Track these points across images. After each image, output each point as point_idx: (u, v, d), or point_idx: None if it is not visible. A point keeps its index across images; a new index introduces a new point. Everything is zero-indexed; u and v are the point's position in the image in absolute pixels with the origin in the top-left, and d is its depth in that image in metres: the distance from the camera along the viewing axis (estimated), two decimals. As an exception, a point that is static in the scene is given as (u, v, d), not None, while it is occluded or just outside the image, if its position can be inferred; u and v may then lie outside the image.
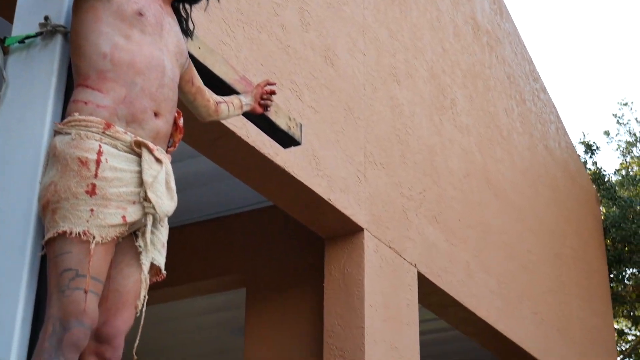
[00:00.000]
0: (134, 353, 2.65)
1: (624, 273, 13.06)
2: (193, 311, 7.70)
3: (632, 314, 14.74)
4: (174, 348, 8.57)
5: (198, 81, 3.16)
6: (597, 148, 14.38)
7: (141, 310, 2.68)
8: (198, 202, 6.17)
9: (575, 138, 24.61)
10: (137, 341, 2.68)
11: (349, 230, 5.49)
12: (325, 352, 5.36)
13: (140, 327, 2.66)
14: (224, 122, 4.38)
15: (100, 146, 2.61)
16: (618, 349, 14.10)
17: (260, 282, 6.02)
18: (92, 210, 2.58)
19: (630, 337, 15.68)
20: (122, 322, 2.64)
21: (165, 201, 2.69)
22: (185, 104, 3.08)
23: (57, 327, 2.52)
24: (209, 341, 8.35)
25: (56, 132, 2.68)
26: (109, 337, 2.62)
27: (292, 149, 4.76)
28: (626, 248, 12.61)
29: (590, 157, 14.35)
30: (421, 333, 6.06)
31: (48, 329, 2.53)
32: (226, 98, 3.33)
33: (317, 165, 5.13)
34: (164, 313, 7.49)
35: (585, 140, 14.76)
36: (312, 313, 5.67)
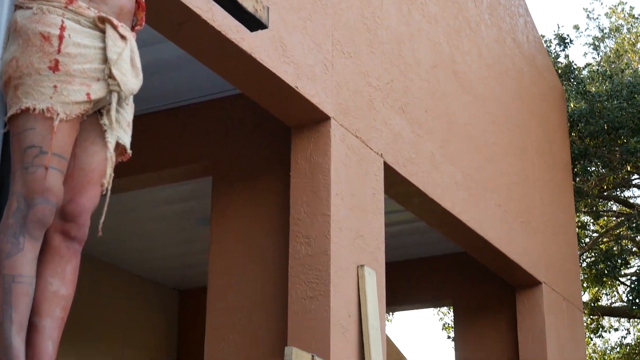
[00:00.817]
0: (100, 229, 2.65)
1: (589, 168, 13.19)
2: (158, 200, 7.70)
3: (593, 209, 14.97)
4: (138, 238, 8.60)
5: None
6: (571, 41, 14.34)
7: (107, 188, 2.67)
8: (164, 89, 6.11)
9: (548, 31, 24.50)
10: (102, 217, 2.67)
11: (316, 119, 5.48)
12: (291, 239, 5.41)
13: (106, 204, 2.65)
14: (189, 5, 4.31)
15: (62, 21, 2.56)
16: (579, 243, 14.35)
17: (226, 171, 6.02)
18: (55, 86, 2.54)
19: (590, 232, 15.97)
20: (87, 200, 2.63)
21: (130, 79, 2.66)
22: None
23: (21, 204, 2.50)
24: (174, 231, 8.38)
25: (17, 7, 2.62)
26: (74, 215, 2.61)
27: (259, 34, 4.71)
28: (592, 143, 12.72)
29: (563, 49, 14.32)
30: (386, 224, 6.11)
31: (12, 205, 2.51)
32: None
33: (284, 52, 5.08)
34: (128, 202, 7.49)
35: (559, 32, 14.71)
36: (279, 201, 5.69)
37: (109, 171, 2.66)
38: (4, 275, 2.44)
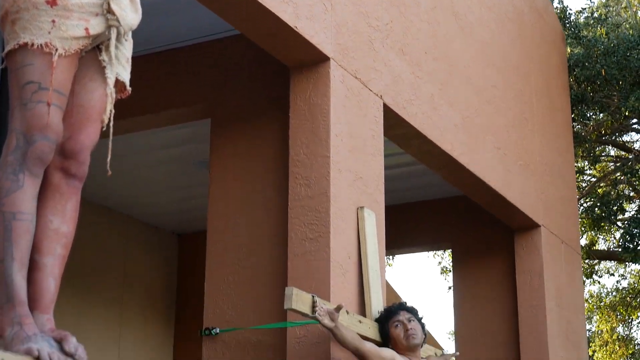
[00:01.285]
0: (108, 168, 2.64)
1: (587, 113, 13.16)
2: (157, 144, 7.68)
3: (591, 154, 14.96)
4: (137, 182, 8.58)
5: None
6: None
7: (108, 125, 2.64)
8: (162, 30, 6.05)
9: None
10: (109, 155, 2.65)
11: (315, 60, 5.43)
12: (291, 181, 5.40)
13: (110, 141, 2.63)
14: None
15: (59, -47, 2.51)
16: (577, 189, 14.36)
17: (225, 113, 5.98)
18: (53, 21, 2.50)
19: (587, 177, 15.99)
20: (86, 137, 2.61)
21: (129, 14, 2.62)
22: None
23: (20, 140, 2.48)
24: (173, 175, 8.36)
25: (13, -61, 2.57)
26: (74, 152, 2.59)
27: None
28: (589, 88, 12.67)
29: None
30: (386, 168, 6.08)
31: (12, 142, 2.49)
32: None
33: (283, -8, 5.02)
34: (126, 146, 7.45)
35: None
36: (278, 143, 5.67)
37: (109, 107, 2.64)
38: (4, 213, 2.43)
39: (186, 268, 9.75)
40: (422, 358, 5.40)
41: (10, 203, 2.42)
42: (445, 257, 17.28)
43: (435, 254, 17.28)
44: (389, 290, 8.09)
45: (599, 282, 17.34)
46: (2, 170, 2.46)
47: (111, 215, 9.13)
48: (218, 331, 5.43)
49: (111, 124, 2.64)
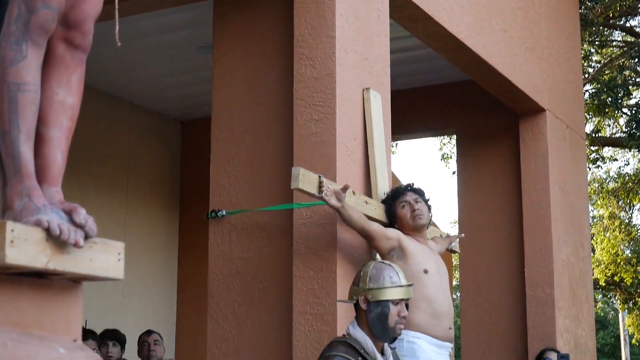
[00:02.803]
0: (117, 39, 2.58)
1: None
2: (158, 28, 7.56)
3: (597, 38, 14.79)
4: (139, 68, 8.49)
5: None
6: None
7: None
8: None
9: None
10: (117, 25, 2.59)
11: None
12: (296, 61, 5.33)
13: (117, 9, 2.57)
14: None
15: None
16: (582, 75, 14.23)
17: (228, -6, 5.87)
18: None
19: (594, 63, 15.84)
20: (90, 6, 2.54)
21: None
22: None
23: (22, 9, 2.41)
24: (175, 60, 8.27)
25: None
26: (78, 21, 2.52)
27: None
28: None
29: None
30: (392, 51, 5.98)
31: (13, 11, 2.42)
32: None
33: None
34: (128, 31, 7.34)
35: None
36: (282, 23, 5.56)
37: (112, -26, 2.56)
38: (8, 84, 2.37)
39: (189, 154, 9.76)
40: (427, 239, 5.42)
41: (14, 74, 2.37)
42: (446, 144, 17.26)
43: (438, 140, 17.25)
44: (392, 179, 8.07)
45: (602, 167, 17.36)
46: (4, 41, 2.40)
47: (113, 101, 9.08)
48: (224, 213, 5.43)
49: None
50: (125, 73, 8.54)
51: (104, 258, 2.36)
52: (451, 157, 17.26)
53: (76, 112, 2.54)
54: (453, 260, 14.51)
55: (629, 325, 22.08)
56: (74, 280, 2.41)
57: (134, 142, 9.33)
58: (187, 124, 9.90)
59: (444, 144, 17.30)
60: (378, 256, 4.26)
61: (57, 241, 2.24)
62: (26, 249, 2.15)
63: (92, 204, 8.59)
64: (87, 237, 2.31)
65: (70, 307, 2.39)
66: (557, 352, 7.47)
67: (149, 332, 7.10)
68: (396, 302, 4.12)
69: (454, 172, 16.69)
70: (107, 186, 8.96)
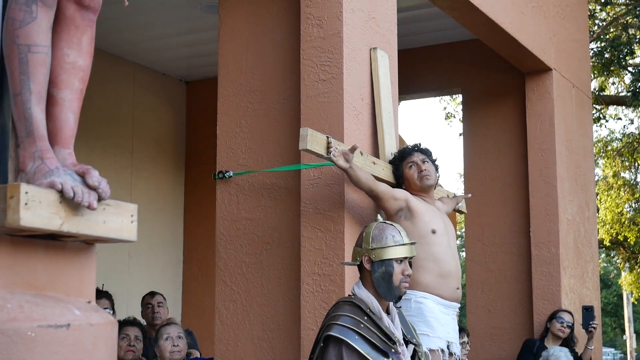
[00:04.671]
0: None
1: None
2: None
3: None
4: (143, 28, 8.43)
5: None
6: None
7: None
8: None
9: None
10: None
11: None
12: (303, 21, 5.28)
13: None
14: None
15: None
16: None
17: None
18: None
19: (598, 22, 15.71)
20: (100, -34, 2.52)
21: None
22: None
23: (32, -30, 2.39)
24: (179, 20, 8.22)
25: None
26: (87, -18, 2.50)
27: None
28: None
29: None
30: (398, 10, 5.93)
31: (22, -28, 2.40)
32: None
33: None
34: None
35: None
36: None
37: None
38: (19, 45, 2.36)
39: (194, 115, 9.73)
40: (435, 199, 5.42)
41: (24, 35, 2.35)
42: (450, 103, 17.18)
43: (441, 99, 17.16)
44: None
45: (606, 126, 17.29)
46: (14, 2, 2.38)
47: (118, 62, 9.03)
48: (232, 174, 5.43)
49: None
50: (129, 33, 8.49)
51: (117, 220, 2.36)
52: (454, 116, 17.19)
53: (87, 74, 2.53)
54: (457, 218, 14.51)
55: (629, 284, 22.11)
56: (87, 242, 2.42)
57: (139, 102, 9.30)
58: (192, 84, 9.86)
59: (448, 103, 17.22)
60: (380, 217, 4.25)
61: (70, 203, 2.23)
62: (40, 211, 2.15)
63: (98, 165, 8.46)
64: (100, 199, 2.31)
65: (84, 269, 2.40)
66: (570, 312, 7.52)
67: (152, 294, 7.02)
68: (400, 261, 4.11)
69: (460, 134, 16.64)
70: (112, 147, 8.94)
